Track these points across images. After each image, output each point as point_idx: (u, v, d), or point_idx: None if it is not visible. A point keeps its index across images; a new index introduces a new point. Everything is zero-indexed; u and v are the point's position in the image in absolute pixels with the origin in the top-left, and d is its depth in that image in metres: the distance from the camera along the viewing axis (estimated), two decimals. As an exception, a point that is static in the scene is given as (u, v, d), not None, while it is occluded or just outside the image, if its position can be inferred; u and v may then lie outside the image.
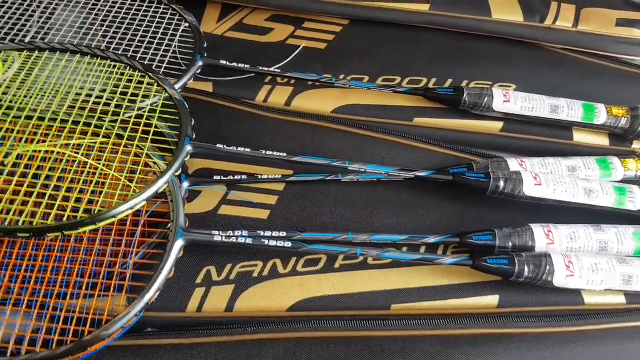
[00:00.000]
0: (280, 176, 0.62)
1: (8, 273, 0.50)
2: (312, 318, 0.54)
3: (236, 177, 0.61)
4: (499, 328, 0.55)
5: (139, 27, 0.70)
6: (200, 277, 0.55)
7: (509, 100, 0.68)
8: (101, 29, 0.70)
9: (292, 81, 0.71)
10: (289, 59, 0.73)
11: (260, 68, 0.69)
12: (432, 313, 0.56)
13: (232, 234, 0.54)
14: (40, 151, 0.54)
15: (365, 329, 0.54)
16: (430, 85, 0.72)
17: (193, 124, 0.58)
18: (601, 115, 0.68)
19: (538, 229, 0.58)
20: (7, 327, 0.48)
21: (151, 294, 0.49)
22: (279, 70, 0.70)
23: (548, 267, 0.55)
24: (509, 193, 0.60)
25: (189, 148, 0.56)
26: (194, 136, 0.57)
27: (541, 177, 0.60)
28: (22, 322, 0.48)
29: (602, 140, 0.70)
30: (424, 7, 0.77)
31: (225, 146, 0.58)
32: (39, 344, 0.46)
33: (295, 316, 0.55)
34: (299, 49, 0.75)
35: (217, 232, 0.54)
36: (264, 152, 0.59)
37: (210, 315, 0.54)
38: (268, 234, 0.55)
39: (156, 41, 0.69)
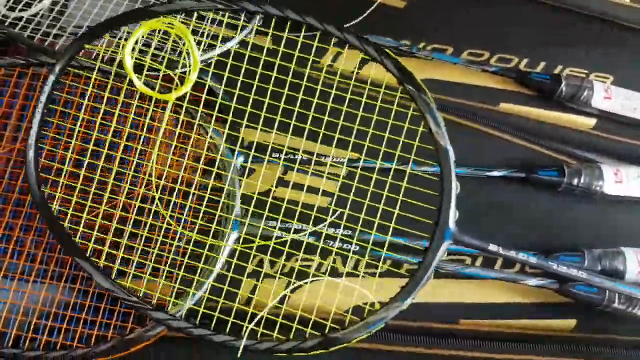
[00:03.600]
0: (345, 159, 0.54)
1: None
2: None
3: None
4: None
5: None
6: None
7: (610, 97, 0.60)
8: None
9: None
10: (361, 17, 0.63)
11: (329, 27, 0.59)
12: (501, 332, 0.51)
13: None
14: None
15: (430, 345, 0.49)
16: (521, 66, 0.63)
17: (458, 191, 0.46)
18: None
19: (630, 255, 0.52)
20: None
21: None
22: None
23: (640, 300, 0.49)
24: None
25: (446, 245, 0.45)
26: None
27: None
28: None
29: None
30: (522, -28, 0.66)
31: (500, 248, 0.46)
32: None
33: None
34: (374, 5, 0.65)
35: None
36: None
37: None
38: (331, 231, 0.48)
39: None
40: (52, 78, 0.45)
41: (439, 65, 0.61)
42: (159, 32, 0.51)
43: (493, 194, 0.56)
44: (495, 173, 0.56)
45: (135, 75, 0.44)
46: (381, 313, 0.42)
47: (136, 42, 0.45)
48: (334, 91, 0.46)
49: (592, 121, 0.62)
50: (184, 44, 0.45)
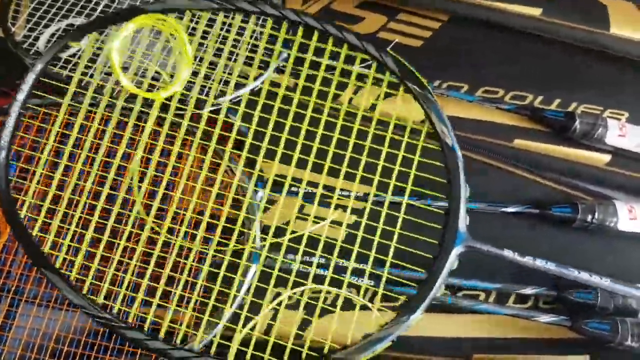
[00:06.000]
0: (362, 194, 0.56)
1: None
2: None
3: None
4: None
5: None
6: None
7: (624, 135, 0.61)
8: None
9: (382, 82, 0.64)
10: (380, 56, 0.66)
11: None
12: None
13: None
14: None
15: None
16: (536, 104, 0.65)
17: (468, 194, 0.44)
18: None
19: (645, 292, 0.53)
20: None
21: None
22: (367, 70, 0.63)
23: (654, 339, 0.50)
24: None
25: (458, 251, 0.43)
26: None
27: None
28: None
29: None
30: (536, 12, 0.68)
31: (516, 254, 0.45)
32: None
33: (368, 354, 0.50)
34: (392, 44, 0.67)
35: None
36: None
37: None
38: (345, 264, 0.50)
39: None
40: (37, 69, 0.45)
41: (454, 102, 0.63)
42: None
43: (507, 229, 0.57)
44: (509, 209, 0.57)
45: (121, 73, 0.44)
46: (386, 330, 0.40)
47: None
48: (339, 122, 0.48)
49: (607, 157, 0.63)
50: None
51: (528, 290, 0.52)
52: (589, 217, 0.56)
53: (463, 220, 0.43)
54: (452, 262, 0.42)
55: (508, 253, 0.45)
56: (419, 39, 0.69)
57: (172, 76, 0.47)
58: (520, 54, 0.68)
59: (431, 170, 0.44)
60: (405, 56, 0.66)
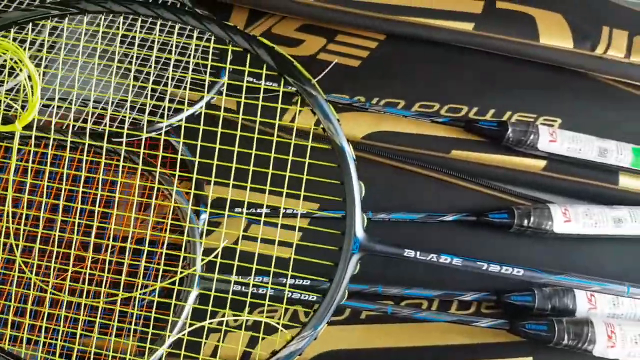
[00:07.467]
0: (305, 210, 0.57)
1: None
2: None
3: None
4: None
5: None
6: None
7: (555, 140, 0.63)
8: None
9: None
10: (319, 77, 0.68)
11: (290, 87, 0.64)
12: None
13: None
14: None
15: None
16: (471, 115, 0.67)
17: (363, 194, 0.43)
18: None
19: (580, 292, 0.54)
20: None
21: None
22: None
23: (589, 336, 0.51)
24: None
25: (357, 257, 0.43)
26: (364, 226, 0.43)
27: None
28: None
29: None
30: (468, 27, 0.71)
31: (418, 253, 0.44)
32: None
33: (315, 371, 0.51)
34: (331, 66, 0.69)
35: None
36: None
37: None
38: (291, 281, 0.51)
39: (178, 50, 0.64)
40: None
41: (392, 118, 0.65)
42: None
43: (446, 238, 0.59)
44: (447, 218, 0.59)
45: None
46: (292, 345, 0.40)
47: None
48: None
49: (542, 163, 0.65)
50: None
51: (468, 297, 0.53)
52: (525, 222, 0.58)
53: (360, 225, 0.42)
54: (352, 270, 0.42)
55: (409, 253, 0.44)
56: (357, 58, 0.71)
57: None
58: (455, 67, 0.71)
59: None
60: (344, 76, 0.69)
